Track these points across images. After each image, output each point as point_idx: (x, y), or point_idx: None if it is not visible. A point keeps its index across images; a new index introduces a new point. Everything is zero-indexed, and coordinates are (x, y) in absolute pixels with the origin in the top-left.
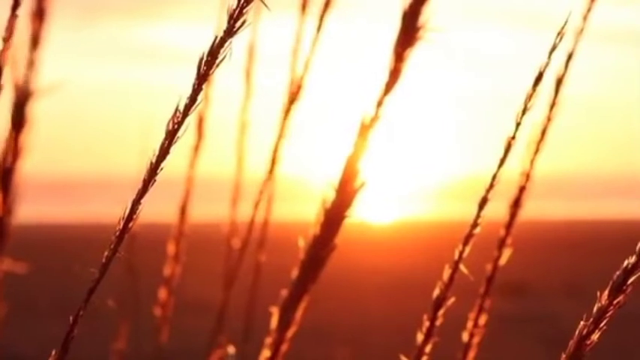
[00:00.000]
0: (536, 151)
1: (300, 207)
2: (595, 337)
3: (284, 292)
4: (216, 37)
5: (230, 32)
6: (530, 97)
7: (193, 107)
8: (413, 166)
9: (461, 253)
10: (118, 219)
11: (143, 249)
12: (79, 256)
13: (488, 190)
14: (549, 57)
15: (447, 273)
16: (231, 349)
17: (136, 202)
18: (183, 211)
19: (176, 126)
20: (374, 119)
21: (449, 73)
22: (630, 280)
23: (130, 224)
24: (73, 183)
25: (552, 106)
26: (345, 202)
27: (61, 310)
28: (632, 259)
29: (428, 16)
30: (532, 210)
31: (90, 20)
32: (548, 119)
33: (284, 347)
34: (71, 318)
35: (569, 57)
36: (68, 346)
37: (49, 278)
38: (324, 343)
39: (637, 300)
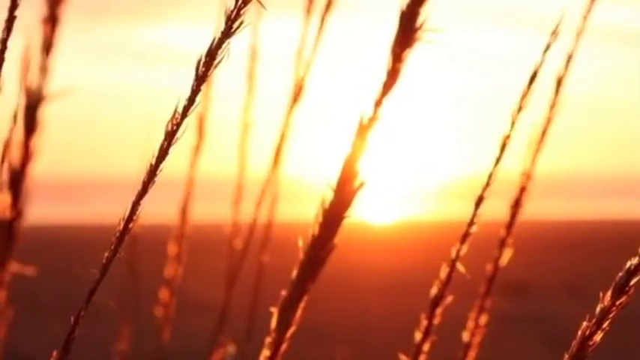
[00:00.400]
0: (537, 151)
1: (301, 207)
2: (598, 337)
3: (284, 293)
4: (214, 39)
5: (228, 33)
6: (524, 96)
7: (192, 108)
8: (412, 166)
9: (458, 251)
10: (119, 220)
11: (145, 250)
12: (81, 256)
13: (484, 189)
14: (543, 56)
15: (444, 271)
16: (231, 348)
17: (136, 203)
18: (184, 211)
19: (175, 127)
20: (372, 119)
21: (449, 73)
22: (633, 282)
23: (130, 225)
24: (75, 184)
25: (552, 106)
26: (344, 202)
27: (63, 310)
28: (635, 261)
29: (426, 16)
30: (533, 210)
31: (92, 22)
32: (549, 119)
33: (284, 347)
34: (72, 318)
35: (569, 57)
36: (70, 346)
37: (50, 278)
38: (324, 343)
39: (639, 301)
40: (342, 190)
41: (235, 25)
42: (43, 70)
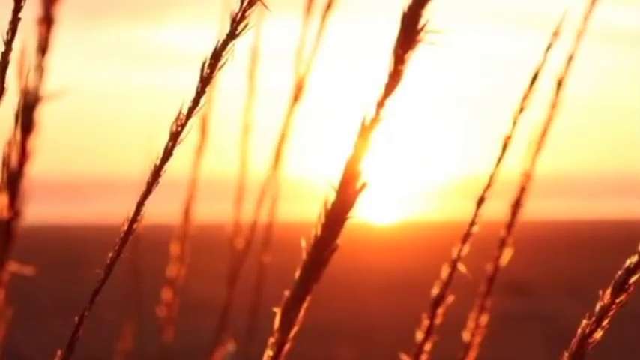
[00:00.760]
0: (537, 151)
1: (302, 207)
2: (597, 335)
3: (287, 293)
4: (219, 40)
5: (233, 35)
6: (526, 96)
7: (196, 109)
8: (414, 167)
9: (459, 251)
10: (123, 220)
11: (147, 249)
12: (84, 256)
13: (485, 189)
14: (545, 56)
15: (445, 271)
16: (230, 347)
17: (140, 204)
18: (187, 212)
19: (179, 128)
20: (374, 120)
21: (450, 73)
22: (632, 279)
23: (135, 225)
24: (77, 184)
25: (553, 106)
26: (347, 203)
27: (64, 310)
28: (635, 259)
29: (428, 18)
30: (533, 210)
31: (93, 23)
32: (549, 119)
33: (287, 347)
34: (76, 318)
35: (570, 58)
36: (74, 346)
37: (53, 278)
38: (327, 343)
39: (639, 299)
40: (345, 191)
41: (240, 27)
42: (40, 70)
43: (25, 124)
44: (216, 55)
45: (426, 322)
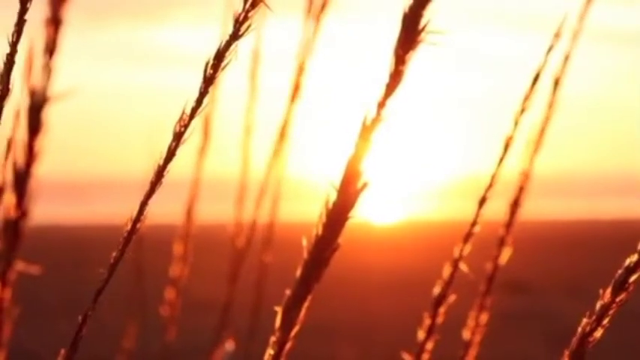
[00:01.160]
0: (536, 150)
1: (302, 206)
2: (597, 334)
3: (288, 292)
4: (222, 41)
5: (236, 36)
6: (527, 97)
7: (200, 110)
8: (415, 167)
9: (461, 251)
10: (126, 220)
11: (150, 249)
12: (87, 256)
13: (487, 189)
14: (546, 57)
15: (447, 271)
16: (228, 345)
17: (144, 204)
18: (189, 212)
19: (183, 128)
20: (375, 120)
21: (451, 74)
22: (632, 278)
23: (138, 225)
24: (80, 184)
25: (550, 105)
26: (348, 203)
27: (69, 308)
28: (635, 258)
29: (429, 18)
30: (532, 209)
31: (96, 23)
32: (547, 119)
33: (288, 346)
34: (80, 317)
35: (567, 57)
36: (78, 345)
37: (57, 278)
38: (329, 342)
39: (638, 298)
40: (346, 191)
41: (243, 28)
42: (47, 71)
43: (33, 124)
44: (219, 56)
45: (427, 322)
